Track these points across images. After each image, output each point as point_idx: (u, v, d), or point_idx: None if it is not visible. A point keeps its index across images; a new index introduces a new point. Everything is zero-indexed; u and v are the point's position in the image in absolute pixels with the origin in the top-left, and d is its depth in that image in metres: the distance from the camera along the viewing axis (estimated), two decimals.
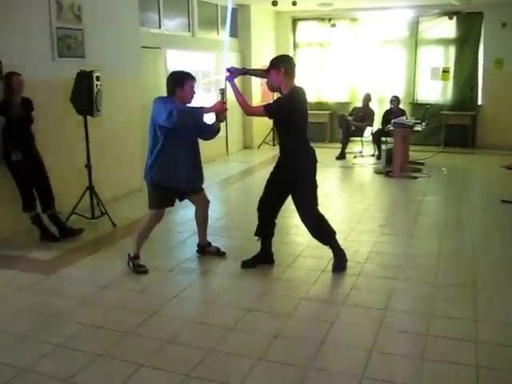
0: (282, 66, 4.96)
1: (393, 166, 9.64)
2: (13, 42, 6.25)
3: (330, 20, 13.92)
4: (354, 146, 12.49)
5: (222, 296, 4.75)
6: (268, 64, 5.15)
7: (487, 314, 4.27)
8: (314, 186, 5.17)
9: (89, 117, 6.65)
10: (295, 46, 14.59)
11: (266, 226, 5.32)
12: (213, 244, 5.81)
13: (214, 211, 7.36)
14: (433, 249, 5.85)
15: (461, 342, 3.85)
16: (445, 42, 13.27)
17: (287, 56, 5.38)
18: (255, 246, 5.39)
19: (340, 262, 5.24)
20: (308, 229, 5.25)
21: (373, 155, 11.73)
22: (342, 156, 11.61)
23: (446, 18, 12.99)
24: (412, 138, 10.79)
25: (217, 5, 11.75)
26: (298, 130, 5.04)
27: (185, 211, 6.91)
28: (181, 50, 10.28)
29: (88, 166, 6.76)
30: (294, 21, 14.39)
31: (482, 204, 7.91)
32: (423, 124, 10.34)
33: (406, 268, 5.29)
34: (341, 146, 11.76)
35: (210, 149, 11.24)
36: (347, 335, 4.01)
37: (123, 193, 8.10)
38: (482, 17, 12.71)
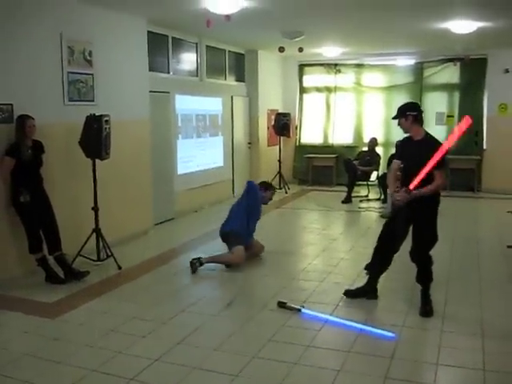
0: (410, 114, 5.24)
1: None
2: (25, 85, 6.36)
3: (335, 66, 14.16)
4: (360, 190, 12.51)
5: (227, 341, 4.70)
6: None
7: (496, 364, 4.21)
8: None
9: (97, 160, 6.72)
10: (302, 90, 14.80)
11: (386, 262, 5.50)
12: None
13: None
14: (439, 296, 5.80)
15: None
16: (449, 87, 13.44)
17: (414, 103, 5.61)
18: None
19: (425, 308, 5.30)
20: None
21: (379, 199, 11.74)
22: (347, 200, 11.63)
23: (450, 64, 13.19)
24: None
25: (225, 50, 11.97)
26: None
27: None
28: (189, 94, 10.43)
29: (95, 209, 6.80)
30: (301, 66, 14.64)
31: (488, 249, 7.86)
32: None
33: (411, 316, 5.23)
34: (347, 189, 11.79)
35: (217, 191, 11.35)
36: None
37: (129, 235, 8.11)
38: (485, 62, 12.91)
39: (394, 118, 5.45)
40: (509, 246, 7.67)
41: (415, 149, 5.32)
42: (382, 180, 11.59)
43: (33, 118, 6.04)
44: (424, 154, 5.11)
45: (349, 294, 5.72)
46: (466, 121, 5.24)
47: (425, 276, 5.37)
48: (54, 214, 6.28)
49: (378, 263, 5.57)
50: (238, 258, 6.81)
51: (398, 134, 12.74)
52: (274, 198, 7.78)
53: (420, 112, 5.33)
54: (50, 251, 6.28)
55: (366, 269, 5.71)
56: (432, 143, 5.23)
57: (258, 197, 7.27)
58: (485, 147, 13.08)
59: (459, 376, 4.14)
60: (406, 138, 5.46)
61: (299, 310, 5.30)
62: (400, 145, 5.71)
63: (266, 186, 7.58)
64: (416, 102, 5.77)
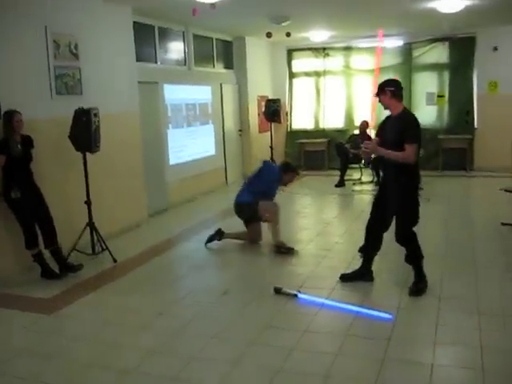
0: (388, 89, 5.28)
1: None
2: (11, 80, 6.30)
3: (324, 49, 14.11)
4: (353, 173, 12.52)
5: (224, 329, 4.71)
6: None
7: (493, 342, 4.24)
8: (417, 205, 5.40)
9: (88, 153, 6.69)
10: (291, 75, 14.76)
11: (377, 241, 5.57)
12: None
13: (216, 244, 7.37)
14: (435, 274, 5.82)
15: (466, 370, 3.83)
16: (438, 67, 13.41)
17: (393, 80, 5.59)
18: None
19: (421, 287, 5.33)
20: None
21: (372, 181, 11.75)
22: (341, 183, 11.65)
23: (438, 44, 13.17)
24: None
25: (212, 38, 11.91)
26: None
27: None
28: (177, 83, 10.38)
29: (88, 203, 6.77)
30: (289, 51, 14.58)
31: (482, 227, 7.89)
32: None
33: (406, 295, 5.26)
34: (339, 173, 11.79)
35: (209, 180, 11.33)
36: (352, 368, 3.98)
37: (123, 228, 8.10)
38: (474, 41, 12.88)
39: (375, 94, 5.46)
40: (503, 223, 7.70)
41: (391, 124, 5.38)
42: (374, 162, 11.60)
43: (20, 113, 5.98)
44: (395, 129, 5.23)
45: (344, 277, 5.74)
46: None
47: (413, 255, 5.37)
48: (48, 207, 6.24)
49: (371, 244, 5.60)
50: (272, 209, 6.93)
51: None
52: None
53: (398, 87, 5.35)
54: (46, 245, 6.26)
55: (359, 251, 5.72)
56: (403, 118, 5.28)
57: (272, 177, 7.11)
58: (476, 126, 13.09)
59: (457, 354, 4.16)
60: (387, 116, 5.49)
61: (295, 295, 5.32)
62: (381, 123, 5.74)
63: (286, 167, 7.29)
64: (394, 79, 5.72)
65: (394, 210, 5.33)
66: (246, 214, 7.17)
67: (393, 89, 5.30)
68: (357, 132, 12.53)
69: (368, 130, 12.20)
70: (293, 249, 6.89)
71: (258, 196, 7.00)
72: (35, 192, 6.16)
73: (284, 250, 6.84)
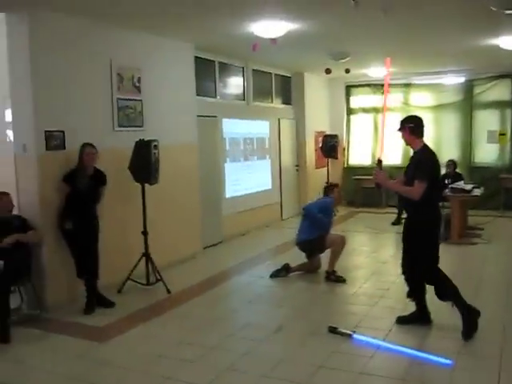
0: (407, 125, 5.29)
1: (451, 231, 9.40)
2: (76, 112, 6.50)
3: (383, 86, 13.99)
4: None
5: (276, 368, 4.61)
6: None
7: None
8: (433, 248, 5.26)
9: (146, 184, 6.78)
10: (349, 111, 14.71)
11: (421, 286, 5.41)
12: None
13: (270, 280, 7.30)
14: (496, 320, 5.58)
15: None
16: (500, 104, 13.10)
17: (413, 116, 5.57)
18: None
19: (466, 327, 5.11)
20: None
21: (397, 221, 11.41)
22: (397, 221, 11.39)
23: (500, 81, 12.90)
24: (470, 203, 10.51)
25: (271, 73, 12.02)
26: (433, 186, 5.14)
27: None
28: (236, 118, 10.49)
29: (144, 233, 6.85)
30: (348, 87, 14.57)
31: None
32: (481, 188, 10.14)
33: (468, 342, 5.04)
34: (397, 211, 11.56)
35: (265, 214, 11.31)
36: None
37: (178, 259, 8.14)
38: None
39: (398, 130, 5.42)
40: None
41: (411, 161, 5.38)
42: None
43: (92, 146, 6.14)
44: (412, 165, 5.22)
45: (401, 320, 5.55)
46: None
47: (443, 291, 5.21)
48: (97, 243, 6.28)
49: (413, 287, 5.45)
50: (339, 240, 7.42)
51: (449, 153, 12.52)
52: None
53: (418, 124, 5.32)
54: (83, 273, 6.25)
55: (407, 297, 5.54)
56: (419, 154, 5.25)
57: (316, 217, 7.38)
58: None
59: None
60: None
61: (351, 336, 5.18)
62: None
63: (329, 188, 7.94)
64: (416, 115, 5.63)
65: (411, 256, 5.28)
66: (311, 248, 7.50)
67: (412, 125, 5.30)
68: None
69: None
70: (342, 277, 7.18)
71: (319, 230, 7.37)
72: (91, 226, 6.22)
73: (333, 278, 7.17)
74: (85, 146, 6.12)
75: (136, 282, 6.78)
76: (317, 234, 7.35)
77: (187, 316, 6.02)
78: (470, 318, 5.11)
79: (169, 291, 6.75)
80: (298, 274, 7.56)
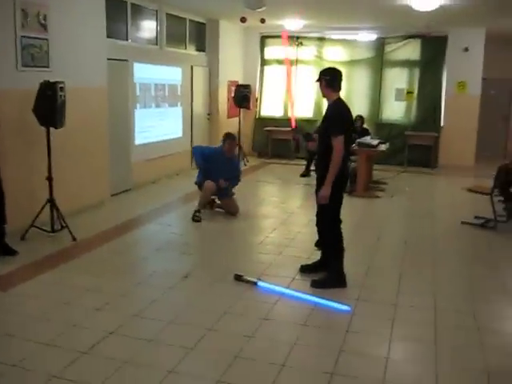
0: (324, 77, 5.23)
1: (356, 184, 9.72)
2: None
3: (297, 38, 14.05)
4: None
5: (182, 314, 4.68)
6: None
7: (448, 338, 4.30)
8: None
9: (52, 128, 6.53)
10: (263, 62, 14.68)
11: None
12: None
13: (178, 227, 7.32)
14: (394, 269, 5.90)
15: (419, 364, 3.89)
16: (409, 63, 13.53)
17: (331, 69, 5.50)
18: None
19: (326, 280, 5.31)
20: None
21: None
22: (306, 173, 11.65)
23: (411, 41, 13.28)
24: (375, 158, 10.89)
25: (186, 19, 11.75)
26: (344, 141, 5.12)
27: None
28: (148, 62, 10.22)
29: (49, 179, 6.63)
30: (263, 38, 14.49)
31: (443, 225, 8.01)
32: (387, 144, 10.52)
33: (367, 289, 5.31)
34: (306, 163, 11.80)
35: (175, 162, 11.23)
36: (308, 358, 3.99)
37: (85, 206, 7.96)
38: (446, 41, 13.02)
39: (316, 81, 5.43)
40: (463, 222, 7.83)
41: (324, 115, 5.43)
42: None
43: None
44: (323, 120, 5.31)
45: (304, 268, 5.73)
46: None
47: (327, 249, 5.47)
48: (2, 185, 5.96)
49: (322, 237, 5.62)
50: (205, 189, 7.88)
51: (359, 109, 12.84)
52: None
53: (334, 77, 5.29)
54: None
55: (315, 245, 5.77)
56: (330, 108, 5.30)
57: (197, 158, 8.07)
58: (442, 124, 13.26)
59: (412, 348, 4.22)
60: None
61: (255, 283, 5.31)
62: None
63: (223, 138, 8.18)
64: (335, 67, 5.62)
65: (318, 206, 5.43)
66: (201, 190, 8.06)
67: (328, 78, 5.27)
68: None
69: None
70: (197, 218, 7.71)
71: (203, 175, 8.01)
72: None
73: (193, 216, 7.71)
74: None
75: (40, 228, 6.60)
76: (201, 178, 8.00)
77: (94, 264, 5.95)
78: (333, 282, 5.29)
79: (74, 238, 6.61)
80: (210, 221, 7.81)
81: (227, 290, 5.21)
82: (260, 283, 5.32)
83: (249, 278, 5.38)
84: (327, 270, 5.42)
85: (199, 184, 8.05)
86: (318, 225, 5.55)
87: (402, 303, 4.96)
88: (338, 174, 5.11)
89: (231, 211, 8.15)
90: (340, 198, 5.33)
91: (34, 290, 5.17)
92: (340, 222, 5.39)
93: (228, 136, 8.18)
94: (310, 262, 5.80)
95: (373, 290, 5.29)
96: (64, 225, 6.69)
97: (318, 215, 5.51)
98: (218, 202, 8.33)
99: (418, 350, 4.17)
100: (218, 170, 7.91)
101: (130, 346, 4.05)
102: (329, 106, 5.35)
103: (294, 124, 13.83)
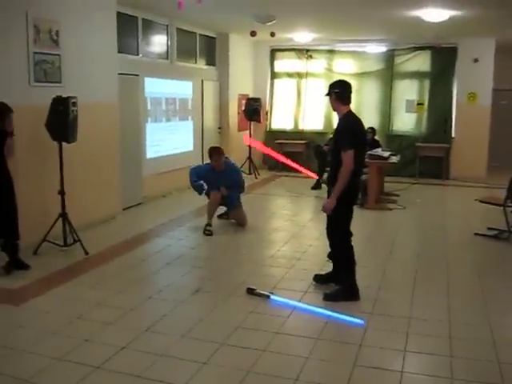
0: (333, 91, 5.21)
1: (368, 197, 9.69)
2: None
3: (307, 51, 14.10)
4: None
5: (194, 328, 4.66)
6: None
7: (463, 351, 4.25)
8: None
9: (64, 143, 6.57)
10: (273, 75, 14.74)
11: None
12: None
13: (189, 241, 7.32)
14: (407, 281, 5.85)
15: (435, 378, 3.84)
16: (420, 75, 13.53)
17: (341, 81, 5.47)
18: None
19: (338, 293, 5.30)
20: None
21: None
22: (317, 186, 11.63)
23: (421, 52, 13.28)
24: (387, 170, 10.86)
25: (196, 33, 11.82)
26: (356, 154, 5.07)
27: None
28: (158, 77, 10.28)
29: (61, 193, 6.66)
30: (272, 51, 14.55)
31: (455, 237, 7.95)
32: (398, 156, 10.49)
33: (380, 302, 5.27)
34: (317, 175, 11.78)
35: (186, 176, 11.24)
36: (322, 372, 3.96)
37: (97, 220, 7.99)
38: (455, 52, 13.01)
39: (326, 94, 5.40)
40: (476, 234, 7.77)
41: (335, 129, 5.41)
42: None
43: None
44: (335, 134, 5.27)
45: (318, 278, 5.73)
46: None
47: (338, 262, 5.48)
48: (14, 199, 5.94)
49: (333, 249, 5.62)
50: (210, 199, 8.02)
51: (369, 121, 12.88)
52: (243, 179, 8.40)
53: (344, 90, 5.26)
54: (2, 235, 5.94)
55: (328, 257, 5.73)
56: (341, 122, 5.27)
57: (192, 180, 8.00)
58: (453, 135, 13.22)
59: (427, 362, 4.17)
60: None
61: (268, 297, 5.29)
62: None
63: (209, 155, 8.19)
64: (345, 80, 5.56)
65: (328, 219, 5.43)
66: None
67: (337, 91, 5.24)
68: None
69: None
70: (208, 232, 7.72)
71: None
72: (5, 181, 5.88)
73: (204, 230, 7.75)
74: None
75: (53, 243, 6.62)
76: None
77: (106, 278, 5.95)
78: (346, 295, 5.26)
79: (87, 252, 6.63)
80: (222, 234, 7.84)
81: (239, 304, 5.19)
82: (273, 297, 5.29)
83: (261, 292, 5.36)
84: (339, 282, 5.39)
85: (207, 193, 8.04)
86: (328, 237, 5.53)
87: (415, 316, 4.92)
88: (347, 187, 5.08)
89: (240, 222, 8.20)
90: (350, 211, 5.31)
91: (46, 304, 5.17)
92: (351, 234, 5.37)
93: (212, 152, 8.11)
94: (323, 273, 5.78)
95: (386, 304, 5.25)
96: (76, 239, 6.71)
97: (327, 228, 5.48)
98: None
99: (432, 364, 4.12)
100: (215, 185, 7.92)
101: (142, 361, 4.04)
102: (339, 119, 5.33)
103: None
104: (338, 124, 5.34)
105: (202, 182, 7.87)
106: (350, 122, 5.25)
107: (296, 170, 12.45)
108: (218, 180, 7.93)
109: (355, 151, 5.04)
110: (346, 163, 5.01)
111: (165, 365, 4.01)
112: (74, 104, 6.51)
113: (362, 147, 5.29)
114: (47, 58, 6.99)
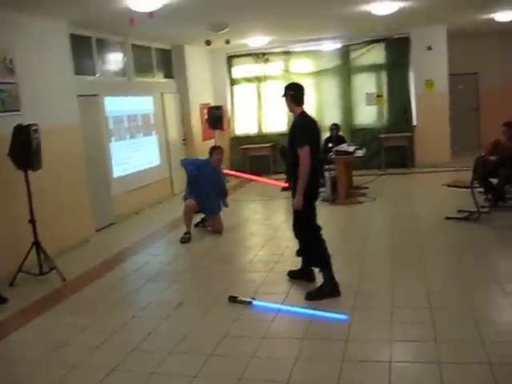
0: (289, 93, 5.42)
1: (338, 192, 9.78)
2: None
3: (263, 55, 14.18)
4: None
5: (181, 343, 4.65)
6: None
7: (447, 335, 4.34)
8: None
9: (29, 170, 6.50)
10: (232, 82, 14.76)
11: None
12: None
13: (166, 256, 7.30)
14: (385, 273, 5.94)
15: (422, 364, 3.91)
16: (376, 67, 13.72)
17: (294, 84, 5.63)
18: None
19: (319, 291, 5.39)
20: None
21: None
22: (287, 187, 11.67)
23: (375, 45, 13.47)
24: (353, 164, 10.96)
25: (151, 47, 11.79)
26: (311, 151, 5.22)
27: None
28: (118, 95, 10.23)
29: (32, 221, 6.58)
30: (229, 58, 14.59)
31: (427, 223, 8.08)
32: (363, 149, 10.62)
33: (361, 295, 5.33)
34: (285, 177, 11.83)
35: (156, 191, 11.21)
36: (312, 371, 4.00)
37: (71, 244, 7.92)
38: (409, 41, 13.22)
39: (282, 96, 5.55)
40: (447, 218, 7.92)
41: (290, 129, 5.59)
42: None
43: None
44: (290, 134, 5.44)
45: (291, 274, 5.92)
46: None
47: (310, 257, 5.61)
48: None
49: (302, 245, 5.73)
50: (185, 207, 8.15)
51: (331, 117, 13.03)
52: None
53: (297, 91, 5.45)
54: None
55: (296, 255, 5.82)
56: (295, 122, 5.48)
57: (187, 166, 8.23)
58: (415, 123, 13.41)
59: (413, 350, 4.24)
60: None
61: (250, 303, 5.31)
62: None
63: (210, 150, 8.47)
64: (297, 82, 5.74)
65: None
66: None
67: (292, 92, 5.43)
68: None
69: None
70: (183, 239, 7.96)
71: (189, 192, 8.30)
72: None
73: (183, 240, 7.95)
74: None
75: (28, 273, 6.54)
76: (187, 192, 8.30)
77: (86, 302, 5.89)
78: (327, 292, 5.33)
79: (64, 279, 6.56)
80: (198, 243, 7.94)
81: (223, 313, 5.21)
82: (255, 302, 5.32)
83: (243, 299, 5.38)
84: (310, 279, 5.61)
85: (186, 199, 8.25)
86: (296, 234, 5.64)
87: (397, 305, 4.99)
88: (308, 183, 5.22)
89: (216, 229, 8.33)
90: (312, 205, 5.45)
91: (28, 335, 5.11)
92: (320, 228, 5.49)
93: (216, 147, 8.61)
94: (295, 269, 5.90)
95: (368, 296, 5.32)
96: (52, 266, 6.64)
97: (294, 225, 5.60)
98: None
99: (419, 350, 4.19)
100: (205, 179, 8.11)
101: (133, 381, 4.03)
102: (294, 119, 5.53)
103: None
104: (293, 123, 5.55)
105: (195, 172, 8.11)
106: (304, 121, 5.44)
107: (263, 182, 12.52)
108: (211, 176, 8.22)
109: (310, 148, 5.19)
110: (303, 158, 5.18)
111: (156, 382, 4.01)
112: (36, 131, 6.44)
113: (316, 145, 5.43)
114: (3, 87, 6.91)
